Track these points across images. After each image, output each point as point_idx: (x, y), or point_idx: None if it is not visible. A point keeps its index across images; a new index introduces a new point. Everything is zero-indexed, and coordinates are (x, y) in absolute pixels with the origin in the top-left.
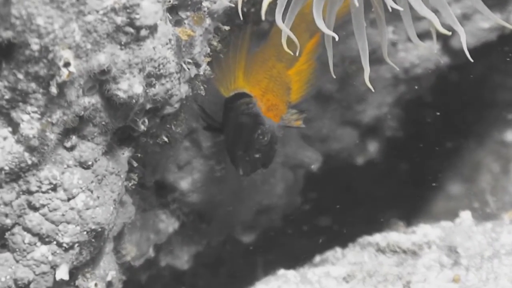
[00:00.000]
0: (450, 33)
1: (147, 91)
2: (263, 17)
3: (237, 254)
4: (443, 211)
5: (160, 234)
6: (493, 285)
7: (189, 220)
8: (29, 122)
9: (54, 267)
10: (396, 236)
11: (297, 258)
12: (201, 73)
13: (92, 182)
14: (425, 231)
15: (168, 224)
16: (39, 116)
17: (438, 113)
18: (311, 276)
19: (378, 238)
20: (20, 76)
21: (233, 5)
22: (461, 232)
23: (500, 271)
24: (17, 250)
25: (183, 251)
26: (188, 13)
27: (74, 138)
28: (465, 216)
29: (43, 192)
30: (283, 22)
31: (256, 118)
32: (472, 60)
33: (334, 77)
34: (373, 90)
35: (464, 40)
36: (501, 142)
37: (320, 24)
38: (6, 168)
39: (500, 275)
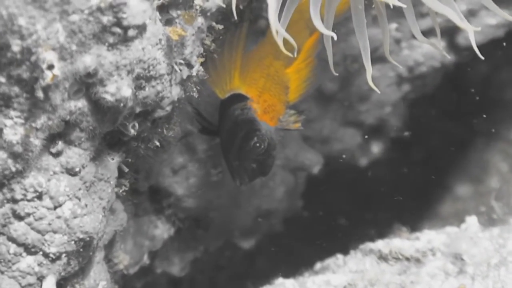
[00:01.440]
0: (473, 29)
1: (137, 93)
2: (273, 32)
3: (236, 260)
4: (450, 213)
5: (155, 240)
6: None
7: (185, 226)
8: (13, 127)
9: (40, 278)
10: (399, 243)
11: (297, 265)
12: (194, 74)
13: (79, 189)
14: (429, 237)
15: (163, 230)
16: (22, 121)
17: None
18: (310, 285)
19: (380, 244)
20: (2, 79)
21: (225, 6)
22: (467, 238)
23: (507, 280)
24: (1, 261)
25: (179, 258)
26: (179, 12)
27: (60, 144)
28: (471, 221)
29: (29, 201)
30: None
31: (251, 124)
32: (482, 58)
33: (336, 74)
34: (378, 92)
35: (472, 37)
36: (510, 141)
37: (318, 23)
38: None
39: (508, 284)
